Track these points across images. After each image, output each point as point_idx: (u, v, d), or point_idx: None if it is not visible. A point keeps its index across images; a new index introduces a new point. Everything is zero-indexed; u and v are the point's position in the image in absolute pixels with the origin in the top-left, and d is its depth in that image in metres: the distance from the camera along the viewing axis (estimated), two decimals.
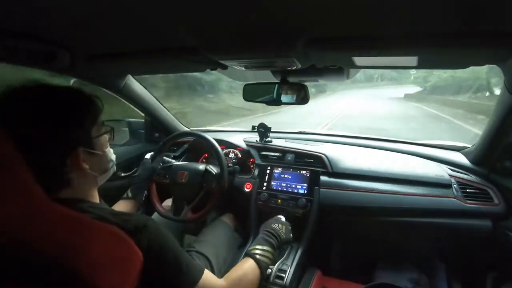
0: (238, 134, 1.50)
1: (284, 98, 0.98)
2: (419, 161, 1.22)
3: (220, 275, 0.71)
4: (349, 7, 0.45)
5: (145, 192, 1.08)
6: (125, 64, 0.95)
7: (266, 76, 0.98)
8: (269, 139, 1.37)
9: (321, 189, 1.14)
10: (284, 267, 0.97)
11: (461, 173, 1.13)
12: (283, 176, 1.22)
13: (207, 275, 0.60)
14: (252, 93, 1.05)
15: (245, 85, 1.05)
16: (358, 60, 0.69)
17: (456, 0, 0.41)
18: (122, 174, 1.39)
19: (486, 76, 9.48)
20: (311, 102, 0.98)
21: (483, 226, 1.01)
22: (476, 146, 1.13)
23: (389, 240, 1.25)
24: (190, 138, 1.42)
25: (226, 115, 8.51)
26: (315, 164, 1.21)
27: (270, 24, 0.53)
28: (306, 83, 0.97)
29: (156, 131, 1.55)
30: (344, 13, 0.48)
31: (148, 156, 1.19)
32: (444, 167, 1.16)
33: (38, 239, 0.43)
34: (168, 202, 1.26)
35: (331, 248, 1.37)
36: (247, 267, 0.73)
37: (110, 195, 0.84)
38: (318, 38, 0.59)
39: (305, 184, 1.17)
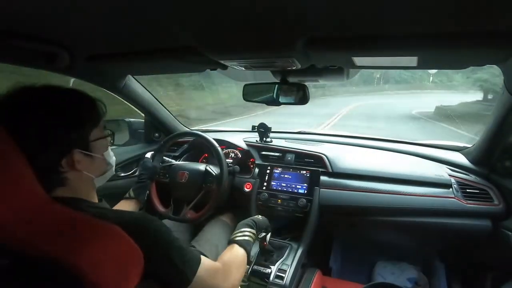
0: (238, 134, 1.50)
1: (283, 99, 0.98)
2: (419, 161, 1.22)
3: None
4: (349, 7, 0.45)
5: (147, 192, 1.08)
6: (125, 64, 0.95)
7: (266, 76, 0.98)
8: (269, 139, 1.37)
9: (321, 189, 1.14)
10: (284, 267, 0.97)
11: (461, 173, 1.13)
12: (283, 176, 1.22)
13: (204, 262, 0.61)
14: (252, 93, 1.05)
15: (245, 85, 1.05)
16: (358, 60, 0.69)
17: (456, 0, 0.41)
18: (122, 174, 1.39)
19: None
20: None
21: (483, 226, 1.01)
22: (476, 146, 1.13)
23: (389, 240, 1.25)
24: (190, 138, 1.42)
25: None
26: (315, 164, 1.21)
27: (270, 24, 0.53)
28: (306, 83, 0.97)
29: (156, 131, 1.55)
30: (344, 13, 0.48)
31: (148, 155, 1.19)
32: (444, 167, 1.16)
33: (38, 238, 0.43)
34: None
35: (331, 248, 1.37)
36: (233, 250, 0.75)
37: (110, 194, 0.84)
38: (318, 38, 0.58)
39: (305, 184, 1.17)
